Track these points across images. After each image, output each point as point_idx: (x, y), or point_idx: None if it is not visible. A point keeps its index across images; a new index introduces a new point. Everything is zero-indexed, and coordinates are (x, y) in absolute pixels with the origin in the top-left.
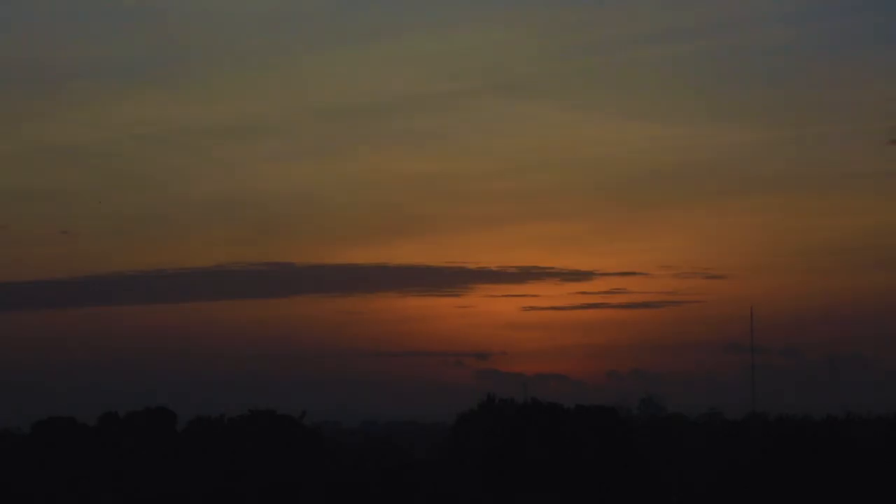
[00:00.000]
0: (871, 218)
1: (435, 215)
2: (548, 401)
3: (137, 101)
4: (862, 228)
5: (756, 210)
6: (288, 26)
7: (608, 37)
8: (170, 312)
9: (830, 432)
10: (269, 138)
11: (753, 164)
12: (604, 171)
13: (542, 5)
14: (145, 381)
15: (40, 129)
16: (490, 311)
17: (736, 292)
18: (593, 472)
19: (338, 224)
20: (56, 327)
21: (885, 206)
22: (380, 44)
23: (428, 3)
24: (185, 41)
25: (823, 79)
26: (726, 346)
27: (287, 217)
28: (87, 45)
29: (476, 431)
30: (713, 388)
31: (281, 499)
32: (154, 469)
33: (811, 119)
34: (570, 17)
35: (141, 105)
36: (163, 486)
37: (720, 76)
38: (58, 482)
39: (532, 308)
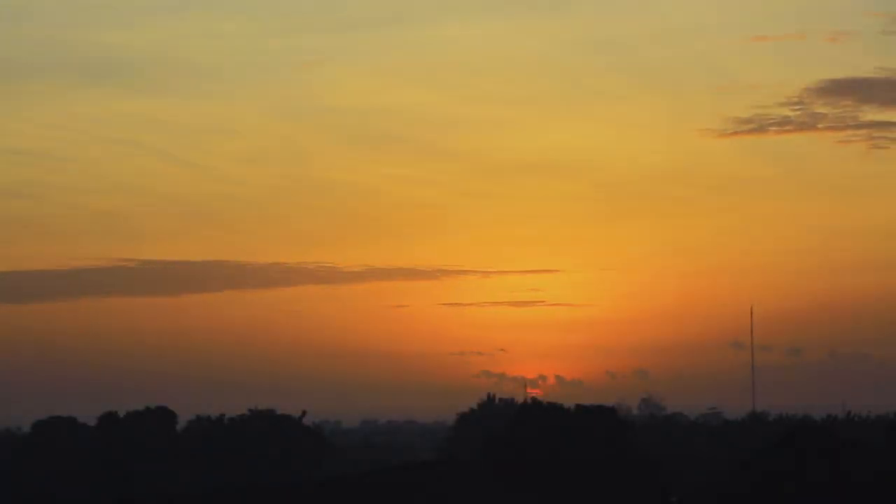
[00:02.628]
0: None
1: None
2: (548, 400)
3: (100, 101)
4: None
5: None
6: (252, 30)
7: (546, 45)
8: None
9: (830, 432)
10: (234, 140)
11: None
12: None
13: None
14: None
15: (2, 129)
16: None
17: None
18: (593, 472)
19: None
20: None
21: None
22: (342, 49)
23: (391, 7)
24: (150, 41)
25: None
26: (729, 344)
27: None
28: (49, 43)
29: (476, 431)
30: (713, 388)
31: (281, 499)
32: (154, 469)
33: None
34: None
35: (102, 105)
36: (163, 485)
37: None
38: (58, 482)
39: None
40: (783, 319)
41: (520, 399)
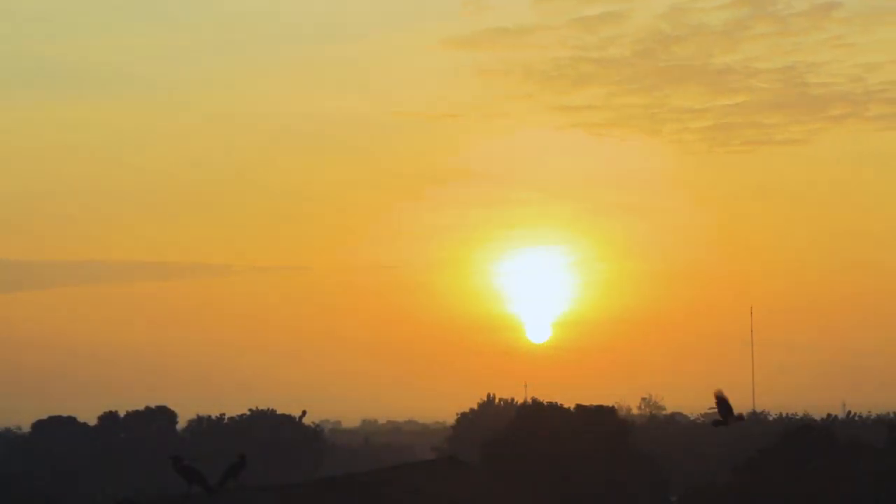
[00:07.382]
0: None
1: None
2: (548, 400)
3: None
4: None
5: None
6: (192, 42)
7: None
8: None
9: (830, 432)
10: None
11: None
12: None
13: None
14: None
15: None
16: None
17: None
18: (593, 472)
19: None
20: None
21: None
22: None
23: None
24: (92, 52)
25: None
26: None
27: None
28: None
29: (476, 431)
30: (713, 388)
31: (281, 499)
32: (153, 468)
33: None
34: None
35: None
36: (162, 485)
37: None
38: (58, 481)
39: None
40: (783, 320)
41: (520, 399)
